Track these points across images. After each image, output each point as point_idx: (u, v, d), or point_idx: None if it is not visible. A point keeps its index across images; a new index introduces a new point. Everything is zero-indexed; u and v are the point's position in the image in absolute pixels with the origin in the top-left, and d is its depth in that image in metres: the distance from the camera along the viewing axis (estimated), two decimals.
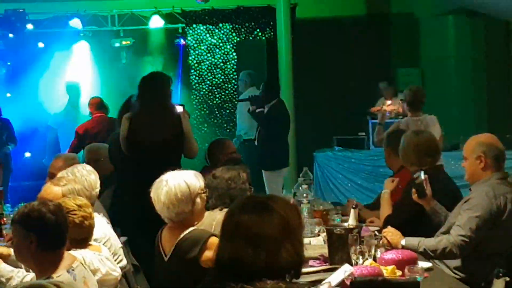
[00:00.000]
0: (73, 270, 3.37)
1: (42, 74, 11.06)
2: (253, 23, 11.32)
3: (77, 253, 3.60)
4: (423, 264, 3.85)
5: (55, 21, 10.79)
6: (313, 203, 5.15)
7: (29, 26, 10.49)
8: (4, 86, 10.86)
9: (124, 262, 4.26)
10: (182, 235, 3.82)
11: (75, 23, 10.69)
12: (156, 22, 10.94)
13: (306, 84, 10.97)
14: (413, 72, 12.05)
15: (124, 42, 11.05)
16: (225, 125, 11.52)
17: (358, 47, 11.65)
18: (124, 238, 4.62)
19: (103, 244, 4.02)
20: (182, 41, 11.27)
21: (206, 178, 4.17)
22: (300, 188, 5.12)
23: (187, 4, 11.11)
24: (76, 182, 4.28)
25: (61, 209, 3.43)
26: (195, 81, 11.49)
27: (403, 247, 4.17)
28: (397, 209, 4.92)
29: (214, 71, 11.49)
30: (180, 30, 11.32)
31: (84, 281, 3.42)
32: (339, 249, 3.89)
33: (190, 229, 3.85)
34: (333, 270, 3.59)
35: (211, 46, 11.46)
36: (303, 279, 3.58)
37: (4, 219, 5.33)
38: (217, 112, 11.49)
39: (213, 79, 11.51)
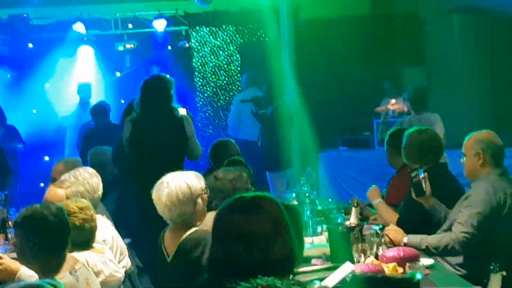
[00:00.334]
0: (75, 272, 3.39)
1: (48, 79, 11.08)
2: (256, 24, 11.33)
3: (80, 255, 3.62)
4: (425, 261, 3.85)
5: (59, 26, 10.80)
6: (315, 202, 5.15)
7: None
8: (8, 91, 10.86)
9: (129, 262, 4.27)
10: (184, 236, 3.83)
11: (79, 27, 10.72)
12: (160, 25, 10.95)
13: (310, 85, 10.94)
14: (419, 71, 11.99)
15: (128, 46, 11.06)
16: None
17: (362, 47, 11.62)
18: (128, 240, 4.64)
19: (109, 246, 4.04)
20: (186, 44, 11.29)
21: (208, 179, 4.18)
22: (303, 188, 5.13)
23: (190, 7, 11.13)
24: (79, 185, 4.30)
25: (63, 211, 3.44)
26: (199, 83, 11.50)
27: (405, 245, 4.17)
28: (408, 207, 4.82)
29: (218, 72, 11.49)
30: (183, 33, 11.33)
31: (87, 282, 3.43)
32: (341, 247, 3.90)
33: (192, 230, 3.86)
34: (334, 268, 3.59)
35: (215, 48, 11.45)
36: (304, 278, 3.62)
37: (9, 222, 5.36)
38: (221, 114, 11.48)
39: (217, 81, 11.50)
